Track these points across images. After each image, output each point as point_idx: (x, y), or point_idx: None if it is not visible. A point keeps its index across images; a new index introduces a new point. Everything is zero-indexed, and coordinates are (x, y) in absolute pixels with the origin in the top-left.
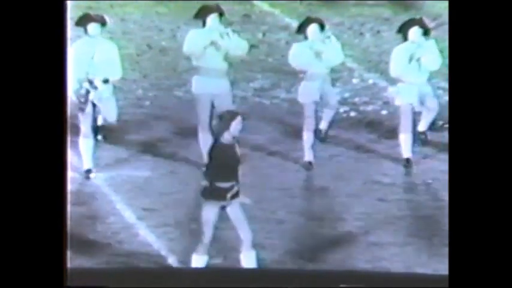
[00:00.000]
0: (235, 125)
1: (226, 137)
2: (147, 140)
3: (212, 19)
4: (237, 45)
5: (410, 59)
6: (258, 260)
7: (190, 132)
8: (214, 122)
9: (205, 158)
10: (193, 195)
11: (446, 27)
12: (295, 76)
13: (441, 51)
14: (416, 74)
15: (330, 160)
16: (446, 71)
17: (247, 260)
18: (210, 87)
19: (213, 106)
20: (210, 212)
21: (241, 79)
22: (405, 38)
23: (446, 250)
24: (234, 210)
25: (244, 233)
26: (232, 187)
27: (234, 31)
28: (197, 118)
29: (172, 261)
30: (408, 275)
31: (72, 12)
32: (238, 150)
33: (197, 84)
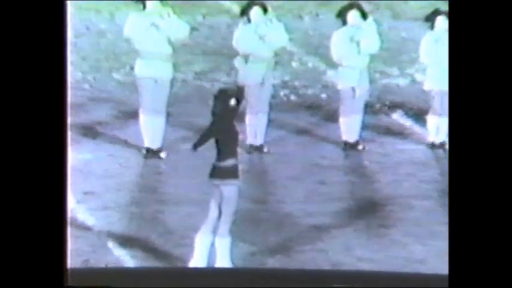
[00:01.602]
0: (233, 101)
1: (225, 114)
2: (86, 123)
3: (152, 1)
4: (177, 27)
5: (350, 42)
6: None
7: (131, 115)
8: (211, 102)
9: (146, 142)
10: (134, 178)
11: (382, 11)
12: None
13: (380, 35)
14: (356, 57)
15: (271, 143)
16: (384, 54)
17: (222, 246)
18: (153, 70)
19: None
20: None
21: (181, 62)
22: (344, 22)
23: (383, 231)
24: (229, 190)
25: (227, 218)
26: (235, 165)
27: (174, 13)
28: (139, 101)
29: (112, 245)
30: (407, 275)
31: None
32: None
33: (140, 68)
